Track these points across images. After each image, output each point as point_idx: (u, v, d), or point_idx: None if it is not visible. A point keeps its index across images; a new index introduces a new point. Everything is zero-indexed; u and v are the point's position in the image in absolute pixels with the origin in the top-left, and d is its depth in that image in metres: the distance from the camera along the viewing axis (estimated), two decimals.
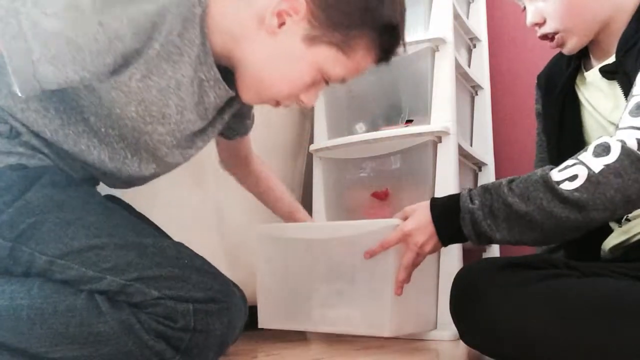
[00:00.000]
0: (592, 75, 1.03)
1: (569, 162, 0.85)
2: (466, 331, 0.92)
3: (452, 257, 1.35)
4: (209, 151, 1.38)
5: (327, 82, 0.91)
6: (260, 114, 1.60)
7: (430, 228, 0.95)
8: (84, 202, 0.84)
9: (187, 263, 0.79)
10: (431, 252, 0.98)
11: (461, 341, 0.94)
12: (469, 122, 1.77)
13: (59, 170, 0.88)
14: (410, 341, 1.25)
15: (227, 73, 0.91)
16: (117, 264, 0.76)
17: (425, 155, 1.47)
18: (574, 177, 0.82)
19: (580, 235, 0.86)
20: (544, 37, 1.03)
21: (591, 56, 1.06)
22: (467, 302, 0.90)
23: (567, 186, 0.82)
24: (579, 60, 1.07)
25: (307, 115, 1.81)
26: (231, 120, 1.03)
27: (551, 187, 0.83)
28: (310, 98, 0.93)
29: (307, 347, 1.18)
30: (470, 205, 0.90)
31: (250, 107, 1.12)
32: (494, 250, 1.71)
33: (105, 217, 0.82)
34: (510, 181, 0.89)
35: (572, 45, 1.01)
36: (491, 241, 0.90)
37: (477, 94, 1.79)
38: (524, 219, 0.85)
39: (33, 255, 0.78)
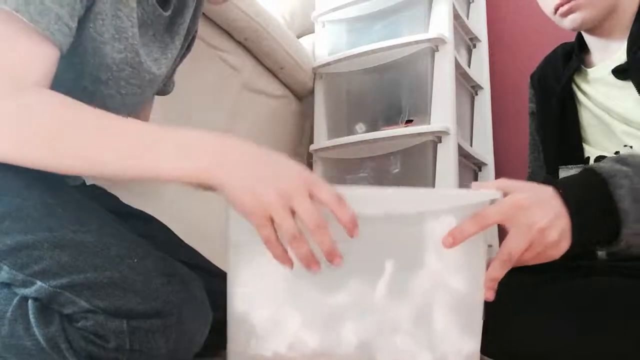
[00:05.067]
0: (598, 71, 1.01)
1: None
2: None
3: None
4: None
5: None
6: (261, 115, 1.61)
7: (555, 204, 0.65)
8: (25, 186, 0.71)
9: (134, 264, 0.65)
10: (552, 248, 0.65)
11: None
12: (469, 122, 1.77)
13: None
14: None
15: None
16: (48, 266, 0.65)
17: (425, 155, 1.47)
18: None
19: None
20: (560, 5, 0.96)
21: (590, 49, 1.04)
22: None
23: None
24: (579, 58, 1.05)
25: (307, 115, 1.81)
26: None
27: None
28: None
29: None
30: (623, 168, 0.67)
31: (189, 50, 1.03)
32: (495, 252, 1.70)
33: (44, 207, 0.69)
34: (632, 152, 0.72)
35: (580, 17, 0.96)
36: None
37: (477, 94, 1.79)
38: None
39: None
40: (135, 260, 0.66)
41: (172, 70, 1.00)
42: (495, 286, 0.67)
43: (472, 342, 0.67)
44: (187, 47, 1.03)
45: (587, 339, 0.77)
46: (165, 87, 1.06)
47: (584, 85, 1.04)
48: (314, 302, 0.66)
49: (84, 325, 0.64)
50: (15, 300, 0.67)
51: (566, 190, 0.67)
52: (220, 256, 1.12)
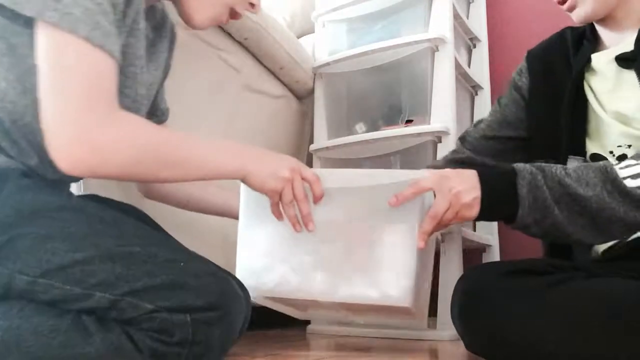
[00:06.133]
0: (597, 59, 0.99)
1: (631, 161, 0.84)
2: (472, 339, 0.90)
3: (452, 262, 1.34)
4: None
5: None
6: (261, 115, 1.61)
7: (472, 179, 0.87)
8: (59, 209, 0.76)
9: (183, 267, 0.73)
10: (466, 209, 0.86)
11: (461, 341, 0.93)
12: (469, 122, 1.77)
13: (24, 171, 0.80)
14: (410, 341, 1.25)
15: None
16: (104, 278, 0.70)
17: (425, 155, 1.47)
18: (637, 176, 0.82)
19: (622, 237, 0.86)
20: (561, 2, 0.99)
21: (602, 39, 1.02)
22: (473, 309, 0.87)
23: (630, 183, 0.82)
24: (592, 45, 1.02)
25: (307, 115, 1.81)
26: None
27: (613, 179, 0.82)
28: None
29: (307, 347, 1.17)
30: (532, 169, 0.85)
31: (166, 77, 1.08)
32: (494, 253, 1.71)
33: (85, 226, 0.74)
34: (561, 167, 0.86)
35: (583, 11, 0.96)
36: (543, 217, 0.84)
37: (477, 94, 1.79)
38: (579, 203, 0.83)
39: (12, 277, 0.71)
40: (182, 264, 0.73)
41: (152, 97, 1.02)
42: (427, 238, 0.86)
43: (407, 280, 0.88)
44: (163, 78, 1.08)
45: (588, 341, 0.77)
46: (160, 117, 1.10)
47: (589, 77, 1.02)
48: (296, 255, 0.93)
49: (149, 326, 0.70)
50: (70, 315, 0.71)
51: (483, 173, 0.87)
52: (210, 253, 1.13)
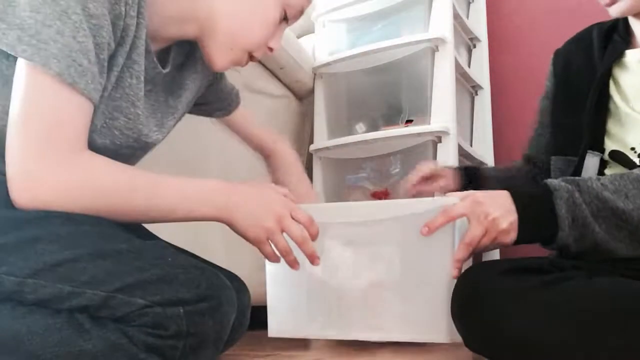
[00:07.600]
0: (632, 56, 0.98)
1: None
2: (471, 338, 0.90)
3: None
4: (214, 143, 1.38)
5: (287, 20, 0.97)
6: (261, 114, 1.61)
7: (507, 203, 0.83)
8: (45, 216, 0.75)
9: (171, 262, 0.74)
10: (503, 235, 0.83)
11: (461, 340, 0.93)
12: (469, 122, 1.77)
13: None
14: (411, 342, 1.25)
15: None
16: (94, 275, 0.70)
17: (425, 155, 1.47)
18: None
19: None
20: None
21: (636, 35, 1.02)
22: (473, 308, 0.85)
23: None
24: (625, 41, 1.02)
25: (307, 115, 1.81)
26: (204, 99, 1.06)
27: None
28: (277, 42, 0.96)
29: (307, 348, 1.17)
30: (568, 186, 0.83)
31: (219, 82, 1.10)
32: (494, 252, 1.70)
33: (72, 228, 0.74)
34: (596, 179, 0.84)
35: (625, 5, 0.96)
36: (583, 236, 0.82)
37: (477, 94, 1.79)
38: (619, 217, 0.82)
39: (0, 278, 0.70)
40: (170, 259, 0.74)
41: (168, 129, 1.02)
42: (461, 266, 0.84)
43: (443, 313, 0.86)
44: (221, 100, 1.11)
45: (589, 341, 0.77)
46: (229, 106, 1.14)
47: (617, 72, 1.01)
48: (322, 293, 0.95)
49: (142, 322, 0.70)
50: (62, 314, 0.71)
51: (517, 194, 0.84)
52: (209, 249, 1.12)
